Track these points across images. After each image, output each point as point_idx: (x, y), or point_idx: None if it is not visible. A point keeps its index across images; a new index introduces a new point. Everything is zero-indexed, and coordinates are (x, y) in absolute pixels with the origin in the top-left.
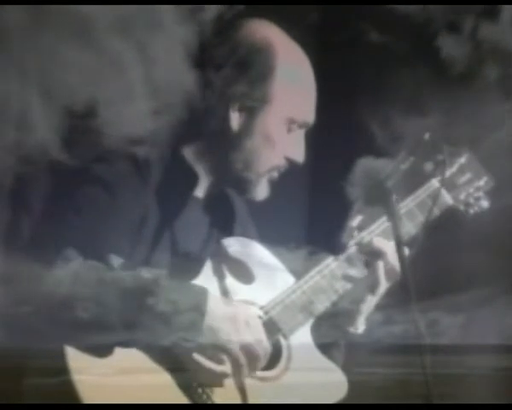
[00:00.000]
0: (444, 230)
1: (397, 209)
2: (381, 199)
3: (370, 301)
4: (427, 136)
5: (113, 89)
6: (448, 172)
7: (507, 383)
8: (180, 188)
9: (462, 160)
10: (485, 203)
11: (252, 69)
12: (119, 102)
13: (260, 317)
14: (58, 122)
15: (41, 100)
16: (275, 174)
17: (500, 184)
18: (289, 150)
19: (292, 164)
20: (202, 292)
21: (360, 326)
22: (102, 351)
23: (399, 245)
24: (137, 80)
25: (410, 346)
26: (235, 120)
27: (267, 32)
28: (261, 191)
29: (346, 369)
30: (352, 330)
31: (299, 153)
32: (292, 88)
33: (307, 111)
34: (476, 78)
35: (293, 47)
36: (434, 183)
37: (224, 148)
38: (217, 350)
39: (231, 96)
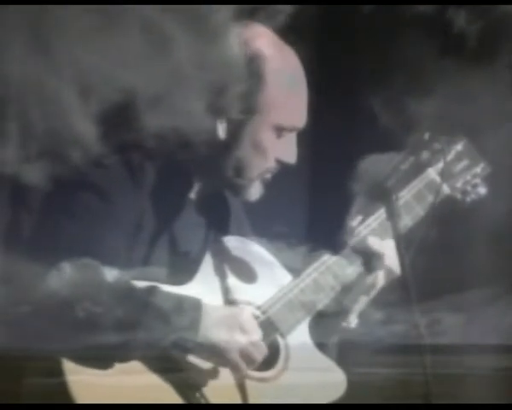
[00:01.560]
0: (442, 221)
1: (397, 210)
2: (381, 199)
3: (363, 300)
4: (426, 136)
5: (157, 76)
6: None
7: (507, 383)
8: (175, 191)
9: (459, 147)
10: (482, 190)
11: (240, 83)
12: (164, 91)
13: (257, 317)
14: (94, 112)
15: (76, 89)
16: (267, 176)
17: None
18: (280, 153)
19: (284, 165)
20: (196, 306)
21: (353, 321)
22: (101, 364)
23: (399, 245)
24: (186, 66)
25: (411, 346)
26: (223, 130)
27: (257, 39)
28: (254, 193)
29: (346, 368)
30: (344, 324)
31: (290, 155)
32: (281, 95)
33: (297, 116)
34: (487, 58)
35: (283, 52)
36: (431, 172)
37: (213, 156)
38: (214, 354)
39: (218, 108)
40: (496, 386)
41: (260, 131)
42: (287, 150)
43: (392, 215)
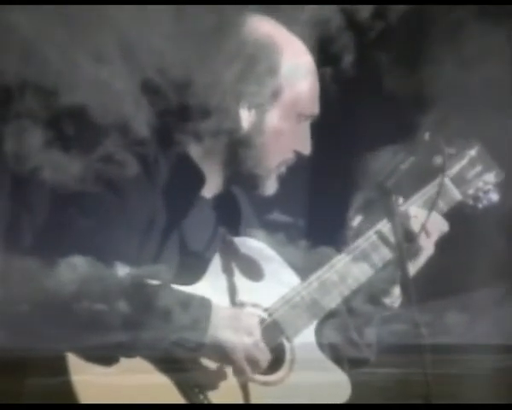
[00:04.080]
0: (453, 226)
1: (396, 209)
2: (380, 199)
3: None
4: (426, 136)
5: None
6: (458, 166)
7: (507, 383)
8: (188, 188)
9: (473, 152)
10: (494, 196)
11: (259, 66)
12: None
13: (264, 319)
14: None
15: (126, 71)
16: (283, 169)
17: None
18: (297, 144)
19: (299, 156)
20: (205, 305)
21: (397, 299)
22: (106, 361)
23: (400, 245)
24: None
25: (411, 346)
26: (246, 118)
27: (269, 28)
28: (271, 186)
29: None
30: (388, 301)
31: (306, 145)
32: (297, 82)
33: (313, 103)
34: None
35: (295, 42)
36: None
37: (234, 146)
38: (220, 355)
39: (240, 94)
40: (496, 386)
41: (281, 118)
42: (303, 141)
43: (393, 216)
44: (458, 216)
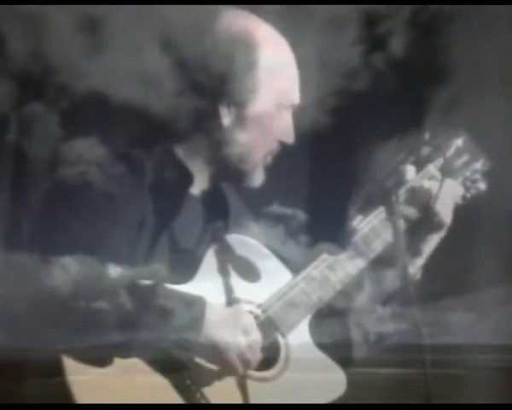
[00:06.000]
0: (455, 226)
1: (397, 209)
2: (381, 199)
3: (431, 245)
4: (427, 135)
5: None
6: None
7: (507, 383)
8: (176, 187)
9: (459, 142)
10: (482, 186)
11: (236, 63)
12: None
13: (258, 316)
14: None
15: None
16: (269, 159)
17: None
18: (281, 134)
19: (284, 146)
20: (200, 303)
21: (418, 271)
22: (101, 362)
23: (400, 245)
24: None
25: (411, 345)
26: (226, 115)
27: (245, 22)
28: (258, 178)
29: (346, 368)
30: (412, 272)
31: (289, 134)
32: (276, 74)
33: (293, 93)
34: None
35: (271, 33)
36: (431, 169)
37: (217, 144)
38: (214, 353)
39: (219, 92)
40: (496, 386)
41: (261, 111)
42: (286, 130)
43: (393, 215)
44: (460, 216)
